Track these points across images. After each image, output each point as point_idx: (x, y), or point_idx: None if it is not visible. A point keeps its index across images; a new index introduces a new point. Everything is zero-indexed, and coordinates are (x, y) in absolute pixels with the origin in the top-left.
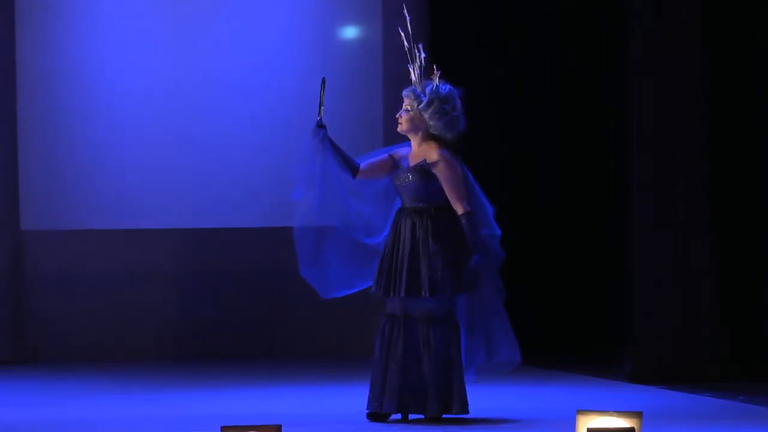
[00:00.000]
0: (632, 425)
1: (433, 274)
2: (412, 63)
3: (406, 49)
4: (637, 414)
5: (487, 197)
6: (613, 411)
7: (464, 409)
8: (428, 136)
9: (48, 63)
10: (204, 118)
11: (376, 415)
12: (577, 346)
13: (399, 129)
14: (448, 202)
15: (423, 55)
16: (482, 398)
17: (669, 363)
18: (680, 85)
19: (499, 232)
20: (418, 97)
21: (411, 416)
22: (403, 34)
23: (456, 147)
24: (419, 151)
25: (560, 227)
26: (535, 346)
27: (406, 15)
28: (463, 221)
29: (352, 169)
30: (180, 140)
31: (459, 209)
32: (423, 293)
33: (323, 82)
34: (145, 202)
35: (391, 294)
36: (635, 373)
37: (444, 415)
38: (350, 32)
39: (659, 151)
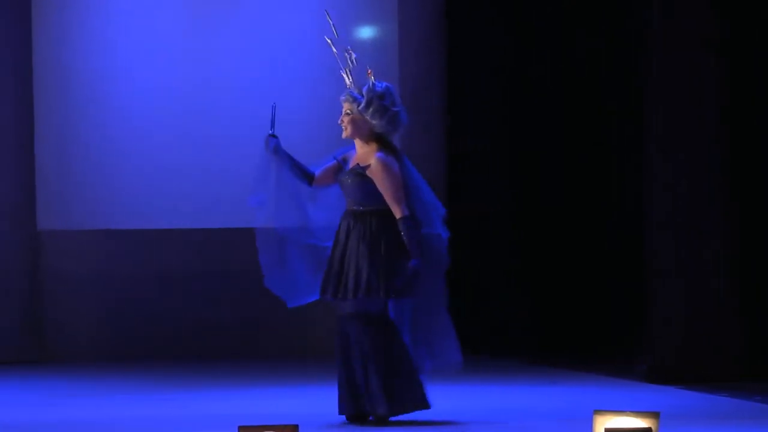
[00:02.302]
0: (649, 425)
1: (359, 277)
2: (344, 68)
3: (335, 54)
4: (654, 414)
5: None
6: (630, 411)
7: (417, 405)
8: (372, 137)
9: (64, 63)
10: (219, 118)
11: (353, 417)
12: (591, 346)
13: (344, 135)
14: (385, 205)
15: (355, 56)
16: (499, 398)
17: (685, 363)
18: (697, 85)
19: (445, 234)
20: (356, 99)
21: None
22: (329, 41)
23: (394, 148)
24: (362, 153)
25: (569, 226)
26: (549, 346)
27: (330, 21)
28: (401, 225)
29: (308, 177)
30: (195, 140)
31: (396, 213)
32: (348, 295)
33: (274, 108)
34: (162, 202)
35: (326, 295)
36: (652, 372)
37: (398, 416)
38: (366, 33)
39: (674, 152)
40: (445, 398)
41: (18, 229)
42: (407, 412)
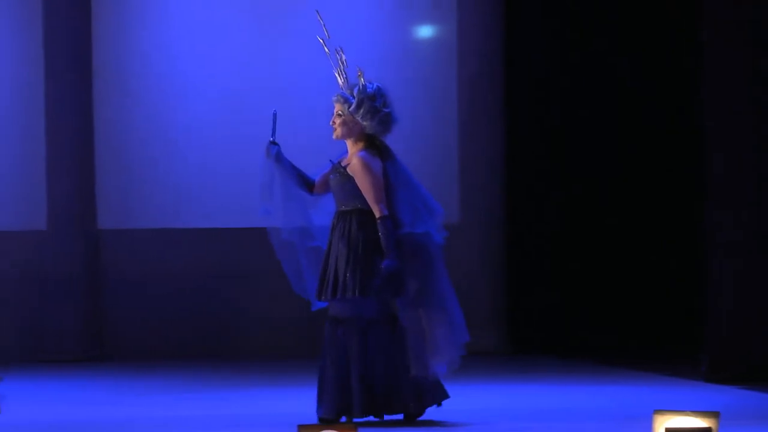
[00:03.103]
0: (709, 425)
1: (337, 277)
2: (336, 68)
3: (327, 55)
4: (714, 414)
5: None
6: (690, 411)
7: (413, 408)
8: (361, 138)
9: (123, 65)
10: (280, 117)
11: (329, 420)
12: (650, 345)
13: (334, 136)
14: (367, 204)
15: (344, 57)
16: (557, 398)
17: (746, 362)
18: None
19: (439, 234)
20: (347, 101)
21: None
22: (321, 40)
23: (384, 148)
24: (350, 153)
25: (625, 224)
26: (608, 345)
27: (321, 21)
28: (378, 225)
29: (308, 185)
30: (253, 140)
31: (375, 212)
32: (328, 296)
33: (274, 115)
34: (222, 201)
35: (316, 297)
36: (711, 371)
37: (386, 417)
38: (424, 33)
39: (737, 150)
40: (504, 397)
41: (78, 228)
42: (394, 413)
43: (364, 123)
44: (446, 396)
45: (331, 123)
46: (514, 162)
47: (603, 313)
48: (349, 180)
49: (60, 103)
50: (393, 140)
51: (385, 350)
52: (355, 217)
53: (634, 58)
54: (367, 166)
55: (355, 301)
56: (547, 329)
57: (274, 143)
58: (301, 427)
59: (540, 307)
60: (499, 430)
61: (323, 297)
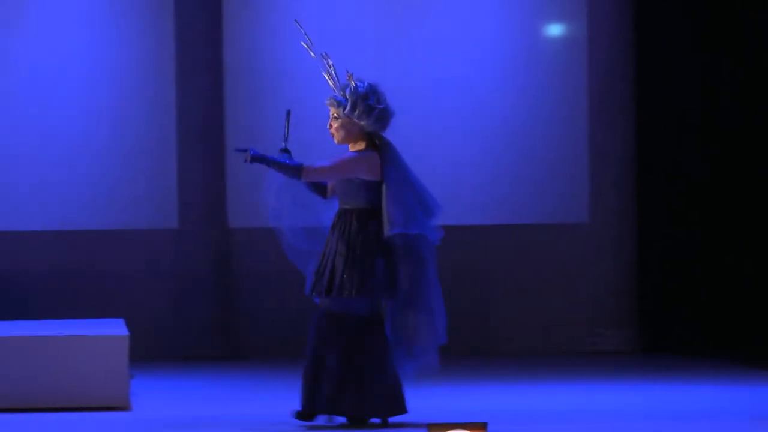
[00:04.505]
0: None
1: (333, 275)
2: (325, 71)
3: (314, 58)
4: None
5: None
6: None
7: (393, 409)
8: (361, 137)
9: (253, 64)
10: (411, 116)
11: (306, 415)
12: None
13: (335, 141)
14: (368, 203)
15: (330, 61)
16: (692, 396)
17: None
18: None
19: (434, 235)
20: (340, 103)
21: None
22: (306, 45)
23: (384, 144)
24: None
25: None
26: (743, 345)
27: (301, 29)
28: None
29: (320, 190)
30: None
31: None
32: (323, 293)
33: (288, 114)
34: None
35: (309, 292)
36: None
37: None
38: (554, 31)
39: None
40: (635, 395)
41: (210, 227)
42: (379, 416)
43: (362, 122)
44: (403, 411)
45: (328, 127)
46: (646, 160)
47: (737, 312)
48: (350, 179)
49: (190, 104)
50: (527, 139)
51: (372, 349)
52: (355, 216)
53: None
54: (350, 154)
55: (350, 300)
56: (680, 329)
57: (285, 151)
58: (430, 426)
59: (673, 306)
60: (633, 429)
61: (315, 293)
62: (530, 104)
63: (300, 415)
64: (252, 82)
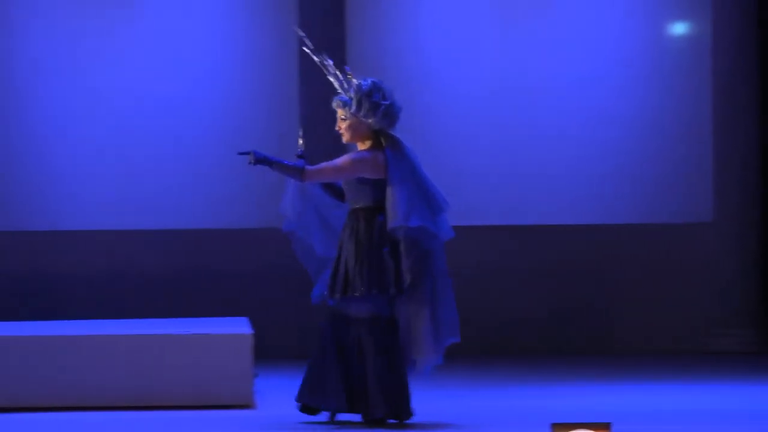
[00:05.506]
0: None
1: (347, 275)
2: (330, 74)
3: (318, 63)
4: None
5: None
6: None
7: (397, 414)
8: (369, 135)
9: (377, 63)
10: (530, 115)
11: (308, 408)
12: None
13: (343, 140)
14: (375, 202)
15: (330, 62)
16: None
17: None
18: None
19: (443, 232)
20: (346, 103)
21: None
22: (308, 50)
23: (393, 141)
24: None
25: None
26: None
27: (300, 33)
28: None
29: (337, 193)
30: (511, 136)
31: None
32: (336, 294)
33: (301, 132)
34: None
35: (327, 295)
36: None
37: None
38: (678, 30)
39: None
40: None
41: None
42: (390, 416)
43: (369, 120)
44: (409, 414)
45: (336, 128)
46: None
47: None
48: (355, 178)
49: (314, 106)
50: (651, 139)
51: (387, 349)
52: (363, 214)
53: None
54: (352, 154)
55: (362, 298)
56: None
57: (301, 156)
58: (554, 425)
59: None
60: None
61: (335, 295)
62: (654, 104)
63: (306, 409)
64: (374, 72)
